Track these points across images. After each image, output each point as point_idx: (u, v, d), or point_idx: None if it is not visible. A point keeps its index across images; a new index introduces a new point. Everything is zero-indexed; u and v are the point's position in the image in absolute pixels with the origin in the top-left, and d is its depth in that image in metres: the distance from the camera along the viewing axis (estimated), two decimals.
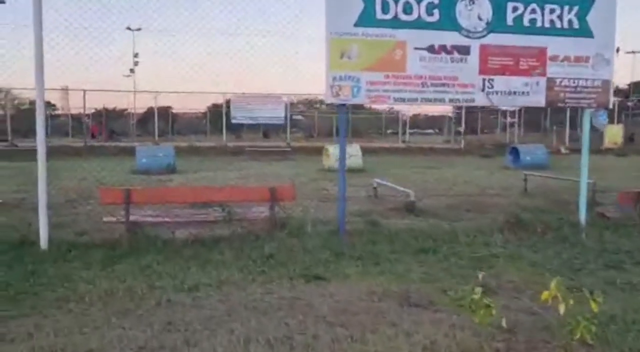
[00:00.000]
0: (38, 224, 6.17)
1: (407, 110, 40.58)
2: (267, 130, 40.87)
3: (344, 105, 6.33)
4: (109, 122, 41.22)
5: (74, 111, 39.45)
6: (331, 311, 4.07)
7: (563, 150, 27.69)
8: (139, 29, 38.58)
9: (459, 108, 39.18)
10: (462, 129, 34.29)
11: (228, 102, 28.64)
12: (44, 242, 5.54)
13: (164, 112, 41.16)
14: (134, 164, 15.76)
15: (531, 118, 41.22)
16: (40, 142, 5.48)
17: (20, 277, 4.85)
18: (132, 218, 5.80)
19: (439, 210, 8.84)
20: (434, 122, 55.12)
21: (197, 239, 5.89)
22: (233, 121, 27.63)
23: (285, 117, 28.23)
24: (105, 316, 3.99)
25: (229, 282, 4.81)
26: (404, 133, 36.94)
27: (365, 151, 18.93)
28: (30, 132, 33.24)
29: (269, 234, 6.05)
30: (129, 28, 39.35)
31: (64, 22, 6.11)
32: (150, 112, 42.27)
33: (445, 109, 43.16)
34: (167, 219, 5.97)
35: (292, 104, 34.24)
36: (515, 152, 19.42)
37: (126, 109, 43.50)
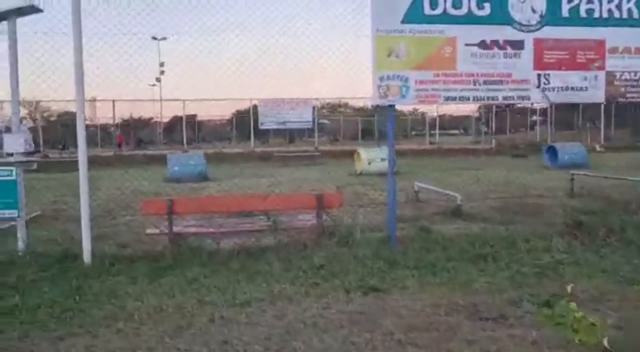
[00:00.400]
0: (80, 237, 6.05)
1: (433, 110, 40.24)
2: (293, 135, 40.68)
3: (392, 106, 6.03)
4: (136, 131, 41.54)
5: (101, 121, 39.81)
6: (397, 327, 3.78)
7: (598, 148, 26.93)
8: (164, 39, 38.96)
9: (487, 108, 38.57)
10: (487, 129, 33.70)
11: (254, 107, 28.52)
12: (87, 256, 5.37)
13: (190, 120, 41.35)
14: (165, 173, 15.68)
15: (560, 116, 40.24)
16: (82, 153, 5.31)
17: (65, 294, 4.67)
18: (175, 229, 5.59)
19: (486, 213, 8.47)
20: (458, 123, 54.35)
21: (242, 249, 5.65)
22: (261, 127, 27.46)
23: (314, 120, 27.98)
24: (158, 335, 3.77)
25: (282, 296, 4.55)
26: (431, 134, 36.44)
27: None
28: (59, 144, 33.62)
29: (316, 243, 5.78)
30: (154, 37, 39.75)
31: (103, 30, 5.98)
32: (175, 120, 42.52)
33: (471, 109, 42.55)
34: (211, 230, 5.75)
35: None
36: (552, 151, 18.85)
37: (152, 118, 43.79)
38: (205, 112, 43.53)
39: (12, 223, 6.59)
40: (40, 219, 8.16)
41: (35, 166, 5.58)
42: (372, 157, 16.61)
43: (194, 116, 42.52)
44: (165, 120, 41.95)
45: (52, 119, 42.10)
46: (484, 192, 11.34)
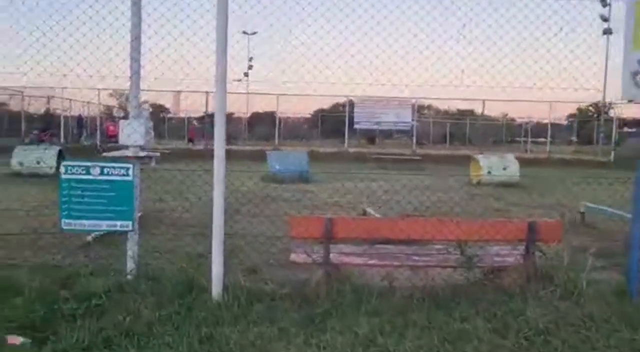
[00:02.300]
0: (198, 254, 4.75)
1: (530, 117, 37.26)
2: (374, 136, 38.54)
3: None
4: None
5: (184, 115, 39.77)
6: None
7: None
8: (254, 33, 38.43)
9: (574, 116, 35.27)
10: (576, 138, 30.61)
11: (351, 105, 26.93)
12: (217, 290, 3.97)
13: (268, 116, 40.61)
14: (261, 171, 14.41)
15: None
16: (219, 147, 3.92)
17: (195, 349, 3.29)
18: (332, 258, 4.10)
19: None
20: (544, 131, 50.40)
21: (423, 293, 4.08)
22: (356, 126, 25.89)
23: (412, 122, 26.06)
24: None
25: None
26: (531, 142, 33.63)
27: None
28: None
29: (526, 292, 4.12)
30: (244, 32, 39.29)
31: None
32: (253, 116, 41.66)
33: (558, 116, 39.23)
34: (377, 261, 4.23)
35: None
36: None
37: (233, 113, 43.16)
38: (283, 109, 42.29)
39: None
40: (142, 223, 6.94)
41: (154, 163, 4.26)
42: (492, 166, 14.68)
43: (273, 113, 41.48)
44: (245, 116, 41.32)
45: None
46: None
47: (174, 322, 3.66)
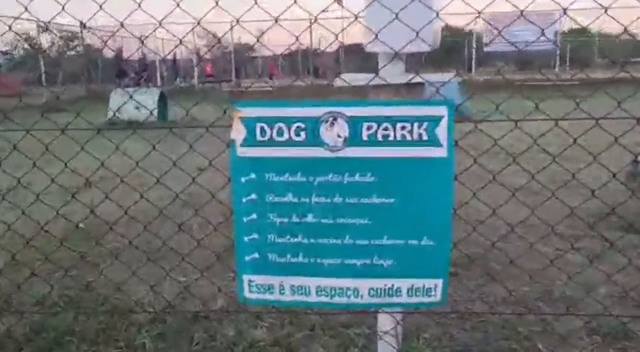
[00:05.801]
0: None
1: None
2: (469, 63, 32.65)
3: None
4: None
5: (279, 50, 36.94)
6: None
7: None
8: None
9: None
10: None
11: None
12: None
13: (358, 48, 36.68)
14: None
15: None
16: None
17: None
18: None
19: None
20: None
21: None
22: (486, 49, 21.89)
23: (556, 41, 21.56)
24: None
25: None
26: None
27: None
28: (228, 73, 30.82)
29: None
30: None
31: None
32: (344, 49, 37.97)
33: None
34: None
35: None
36: None
37: (317, 49, 39.76)
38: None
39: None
40: None
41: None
42: None
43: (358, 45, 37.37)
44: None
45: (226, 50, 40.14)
46: None
47: None
